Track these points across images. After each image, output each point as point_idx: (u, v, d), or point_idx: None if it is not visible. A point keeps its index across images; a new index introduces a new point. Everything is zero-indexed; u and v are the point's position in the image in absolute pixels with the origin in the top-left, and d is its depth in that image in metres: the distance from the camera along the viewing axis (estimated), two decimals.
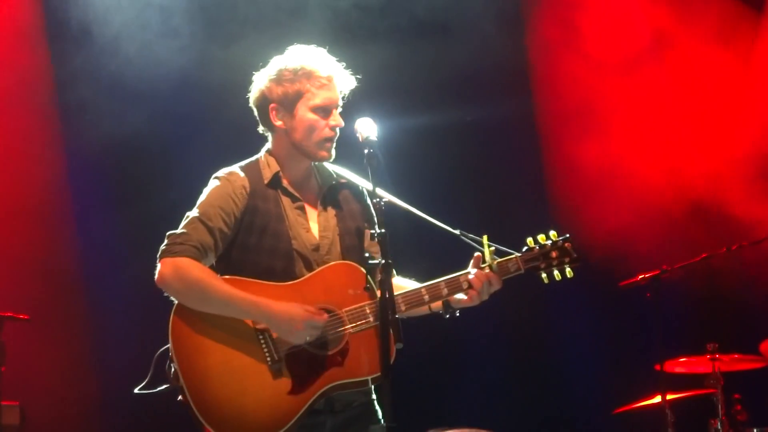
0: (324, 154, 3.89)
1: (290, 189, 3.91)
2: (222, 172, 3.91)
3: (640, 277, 5.44)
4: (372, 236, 3.56)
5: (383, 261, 3.43)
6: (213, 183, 3.89)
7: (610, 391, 6.22)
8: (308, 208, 3.92)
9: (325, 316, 3.71)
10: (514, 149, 6.71)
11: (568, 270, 3.87)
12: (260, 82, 3.94)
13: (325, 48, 3.96)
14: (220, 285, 3.73)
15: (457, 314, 3.87)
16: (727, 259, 5.64)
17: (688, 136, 6.51)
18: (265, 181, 3.89)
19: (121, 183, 6.43)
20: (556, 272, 3.87)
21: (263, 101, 3.93)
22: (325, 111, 3.87)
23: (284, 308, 3.70)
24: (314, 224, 3.90)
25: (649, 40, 6.58)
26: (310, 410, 3.71)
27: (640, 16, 6.60)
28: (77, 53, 6.19)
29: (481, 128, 6.63)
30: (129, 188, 6.43)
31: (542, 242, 3.88)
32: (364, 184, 3.97)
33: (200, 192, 3.87)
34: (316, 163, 3.99)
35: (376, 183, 3.64)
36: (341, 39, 4.04)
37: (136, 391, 3.83)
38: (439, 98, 6.48)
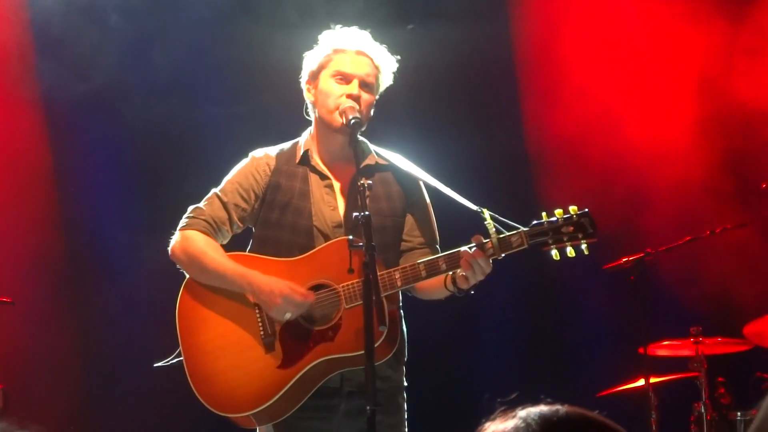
0: (334, 121, 3.80)
1: (320, 167, 3.90)
2: (255, 150, 3.97)
3: (624, 260, 5.42)
4: (356, 218, 3.50)
5: (366, 243, 3.41)
6: (242, 161, 3.95)
7: (593, 374, 6.22)
8: (338, 187, 3.89)
9: (311, 295, 3.70)
10: (496, 126, 6.67)
11: (584, 246, 3.62)
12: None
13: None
14: (218, 257, 3.78)
15: (472, 292, 3.72)
16: (711, 242, 5.63)
17: (672, 111, 6.47)
18: (297, 160, 3.90)
19: (109, 166, 6.39)
20: (569, 249, 3.61)
21: (302, 80, 3.96)
22: (345, 78, 3.82)
23: (268, 282, 3.70)
24: (342, 203, 3.87)
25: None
26: (319, 390, 3.69)
27: None
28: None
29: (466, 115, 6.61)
30: (117, 172, 6.39)
31: (555, 217, 3.62)
32: (411, 169, 3.93)
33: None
34: (364, 142, 3.95)
35: (359, 163, 3.69)
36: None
37: (156, 365, 3.88)
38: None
